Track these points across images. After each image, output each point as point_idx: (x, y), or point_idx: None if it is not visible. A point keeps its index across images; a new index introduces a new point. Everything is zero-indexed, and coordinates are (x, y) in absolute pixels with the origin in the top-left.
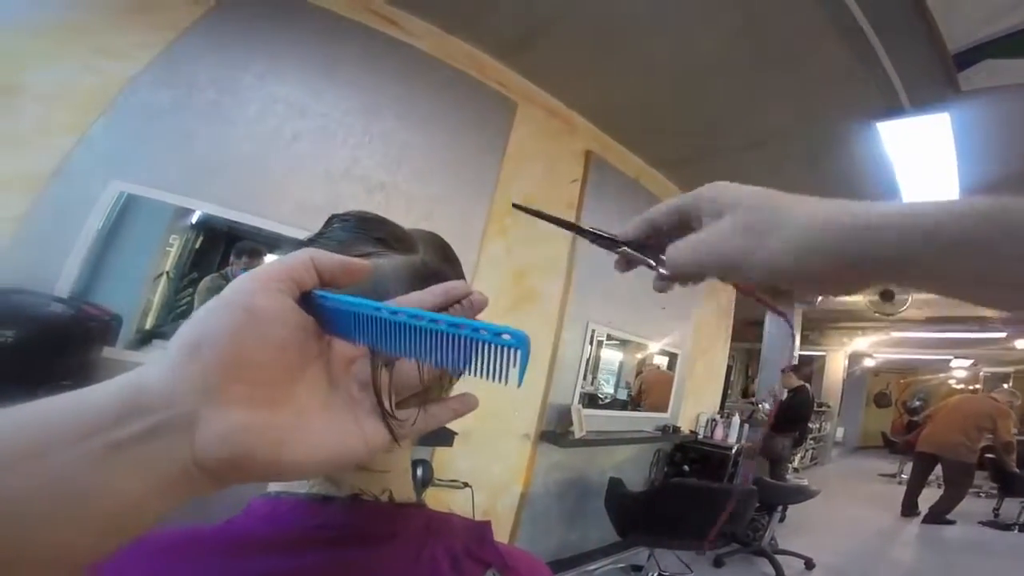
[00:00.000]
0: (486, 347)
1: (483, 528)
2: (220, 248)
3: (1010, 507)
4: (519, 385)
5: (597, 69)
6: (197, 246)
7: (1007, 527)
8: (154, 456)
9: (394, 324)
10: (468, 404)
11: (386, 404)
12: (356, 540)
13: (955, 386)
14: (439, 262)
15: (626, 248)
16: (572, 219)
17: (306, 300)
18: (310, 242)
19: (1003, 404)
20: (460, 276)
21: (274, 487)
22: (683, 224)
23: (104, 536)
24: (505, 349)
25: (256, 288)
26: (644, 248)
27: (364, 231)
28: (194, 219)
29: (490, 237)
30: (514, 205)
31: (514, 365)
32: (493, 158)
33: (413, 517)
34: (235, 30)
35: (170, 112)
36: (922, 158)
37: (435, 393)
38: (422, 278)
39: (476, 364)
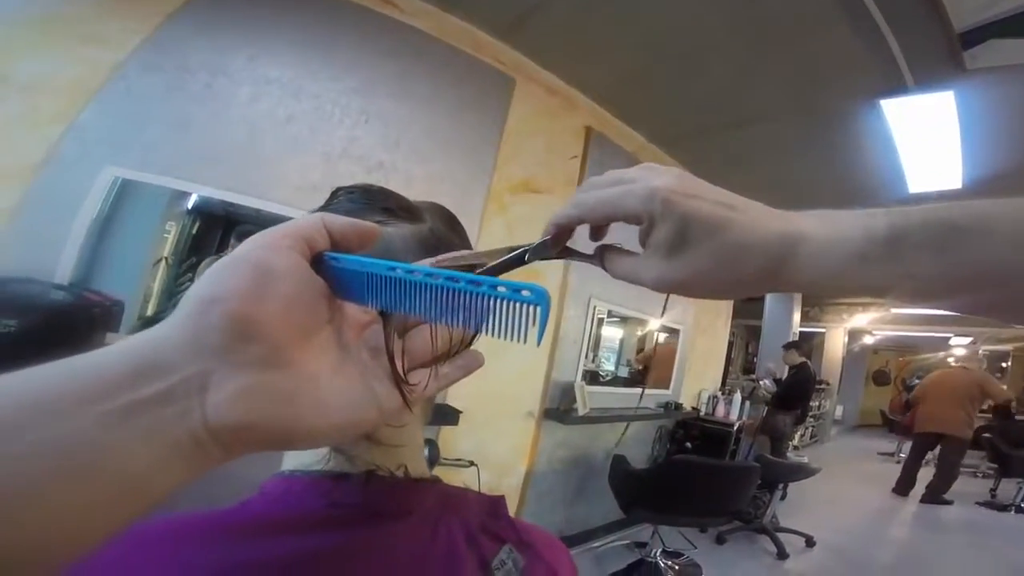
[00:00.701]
0: (505, 304)
1: (498, 503)
2: (218, 232)
3: (1007, 488)
4: (538, 343)
5: (596, 45)
6: (194, 231)
7: (1004, 508)
8: (166, 420)
9: (410, 284)
10: (476, 360)
11: (400, 370)
12: (372, 518)
13: (953, 364)
14: (446, 231)
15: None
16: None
17: (317, 264)
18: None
19: (979, 371)
20: (467, 245)
21: (287, 466)
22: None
23: (113, 509)
24: (524, 306)
25: (268, 244)
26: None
27: (370, 201)
28: (190, 204)
29: (490, 215)
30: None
31: (533, 324)
32: (492, 136)
33: (428, 492)
34: (225, 11)
35: (162, 96)
36: (926, 137)
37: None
38: (430, 246)
39: (494, 323)
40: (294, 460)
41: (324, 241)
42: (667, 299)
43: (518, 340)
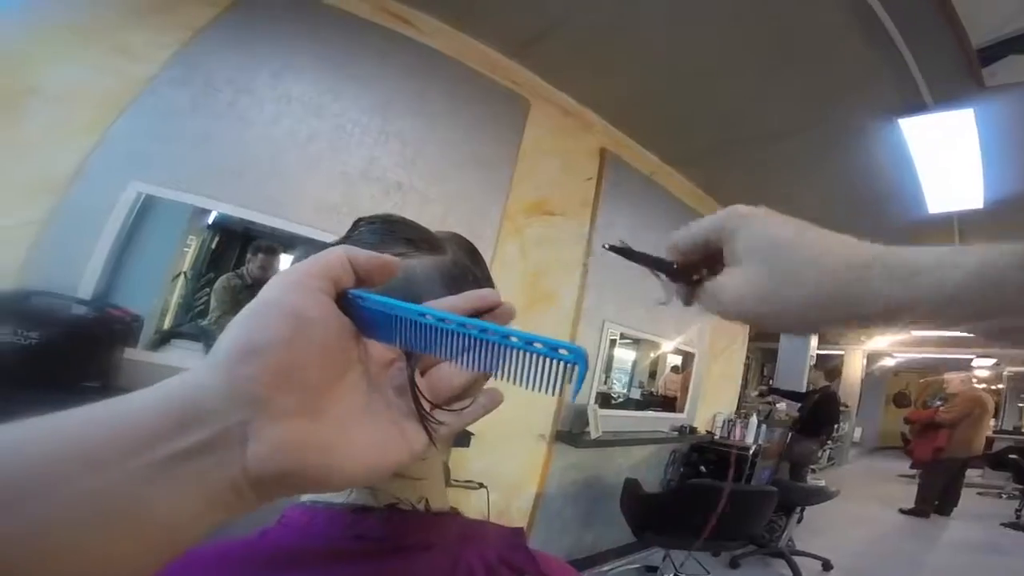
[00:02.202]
0: (539, 359)
1: (517, 535)
2: (236, 248)
3: None
4: (573, 399)
5: (609, 65)
6: (213, 246)
7: None
8: (207, 470)
9: (440, 331)
10: (495, 400)
11: (425, 407)
12: (394, 551)
13: (976, 385)
14: (468, 262)
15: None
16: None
17: (341, 301)
18: (337, 245)
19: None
20: (487, 277)
21: (308, 496)
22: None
23: (148, 556)
24: (558, 363)
25: (298, 287)
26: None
27: (392, 232)
28: (211, 219)
29: (505, 236)
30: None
31: (569, 381)
32: (507, 156)
33: (449, 526)
34: (250, 29)
35: (188, 112)
36: (946, 155)
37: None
38: (452, 278)
39: (524, 375)
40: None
41: (349, 278)
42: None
43: (548, 393)
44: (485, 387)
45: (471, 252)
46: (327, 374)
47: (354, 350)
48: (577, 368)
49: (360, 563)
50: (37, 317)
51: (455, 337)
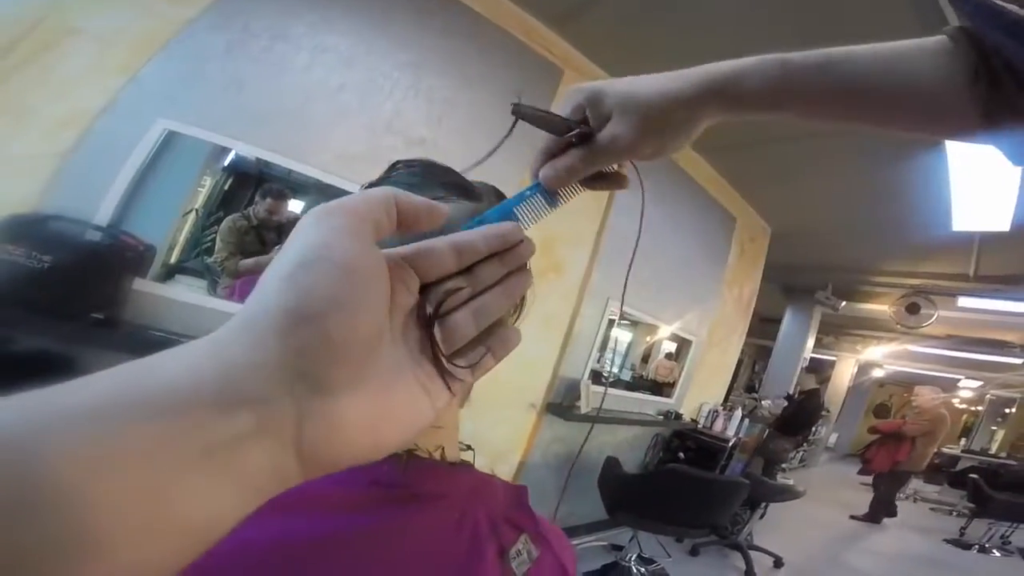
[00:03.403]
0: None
1: (521, 493)
2: (249, 191)
3: (978, 527)
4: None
5: (648, 44)
6: (226, 187)
7: (968, 546)
8: (253, 458)
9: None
10: (515, 338)
11: (444, 355)
12: (406, 500)
13: (958, 406)
14: None
15: (578, 132)
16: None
17: None
18: (371, 186)
19: None
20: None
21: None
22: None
23: (179, 554)
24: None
25: (349, 234)
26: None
27: (431, 176)
28: (227, 161)
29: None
30: (512, 107)
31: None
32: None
33: (462, 477)
34: None
35: (223, 56)
36: (984, 176)
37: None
38: None
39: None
40: None
41: (391, 223)
42: (626, 281)
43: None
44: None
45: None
46: (377, 336)
47: (390, 301)
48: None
49: (377, 510)
50: (52, 240)
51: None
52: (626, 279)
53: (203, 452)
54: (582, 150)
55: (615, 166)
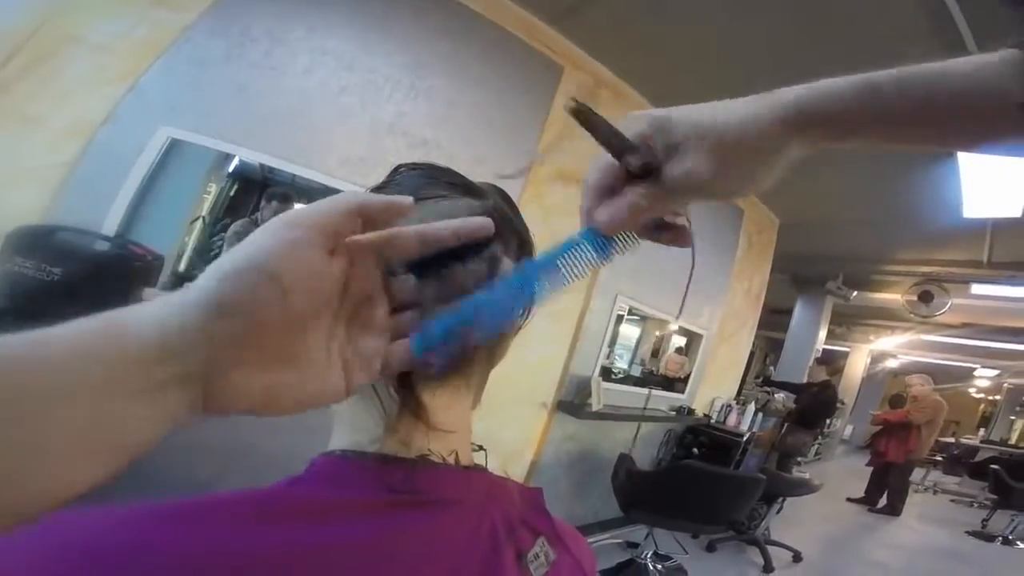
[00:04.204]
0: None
1: (537, 495)
2: (254, 196)
3: (1000, 520)
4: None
5: (650, 39)
6: (232, 193)
7: (991, 538)
8: (175, 399)
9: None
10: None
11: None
12: (422, 505)
13: (974, 395)
14: (507, 210)
15: (636, 157)
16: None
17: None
18: (378, 189)
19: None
20: (524, 224)
21: (337, 444)
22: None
23: (107, 468)
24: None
25: (287, 245)
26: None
27: (434, 178)
28: (232, 167)
29: (526, 202)
30: (574, 105)
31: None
32: (536, 123)
33: (477, 482)
34: None
35: (222, 62)
36: (993, 160)
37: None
38: (494, 220)
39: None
40: (345, 439)
41: (354, 227)
42: (684, 297)
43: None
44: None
45: (508, 200)
46: (299, 329)
47: (336, 297)
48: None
49: (388, 517)
50: (61, 252)
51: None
52: (684, 296)
53: (141, 389)
54: (647, 186)
55: (680, 215)
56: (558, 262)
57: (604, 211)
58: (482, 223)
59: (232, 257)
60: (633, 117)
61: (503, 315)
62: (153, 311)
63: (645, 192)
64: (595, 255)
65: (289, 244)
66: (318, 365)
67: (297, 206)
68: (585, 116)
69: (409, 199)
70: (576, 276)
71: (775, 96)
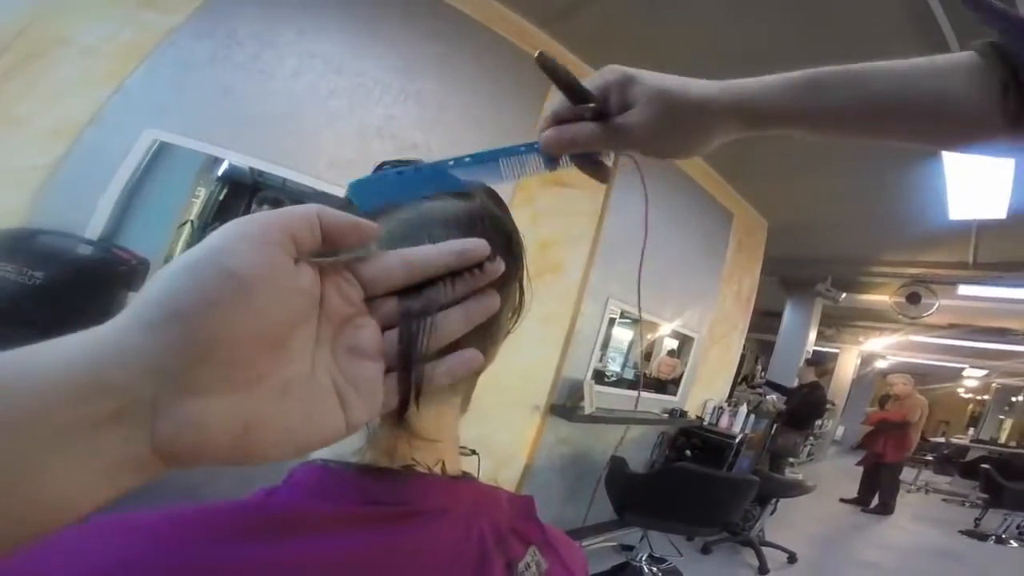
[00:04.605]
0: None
1: (528, 503)
2: (244, 200)
3: (993, 519)
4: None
5: (641, 43)
6: (221, 197)
7: (984, 537)
8: (108, 443)
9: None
10: (478, 361)
11: (416, 369)
12: (408, 517)
13: (963, 395)
14: (495, 208)
15: (592, 107)
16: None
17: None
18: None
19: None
20: (513, 225)
21: (319, 454)
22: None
23: (19, 530)
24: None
25: (248, 240)
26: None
27: None
28: (221, 170)
29: (517, 205)
30: (540, 56)
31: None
32: (526, 126)
33: (464, 491)
34: None
35: (209, 64)
36: (977, 162)
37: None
38: (480, 220)
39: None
40: (327, 449)
41: (314, 240)
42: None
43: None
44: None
45: (496, 198)
46: (265, 343)
47: (309, 310)
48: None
49: (373, 530)
50: (43, 255)
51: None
52: (638, 285)
53: (59, 432)
54: (595, 126)
55: (610, 155)
56: (499, 160)
57: (551, 132)
58: (476, 246)
59: (182, 257)
60: (605, 69)
61: (434, 183)
62: (91, 333)
63: (591, 129)
64: (541, 163)
65: (243, 236)
66: (306, 394)
67: (301, 206)
68: (550, 66)
69: (375, 226)
70: (514, 177)
71: (730, 84)
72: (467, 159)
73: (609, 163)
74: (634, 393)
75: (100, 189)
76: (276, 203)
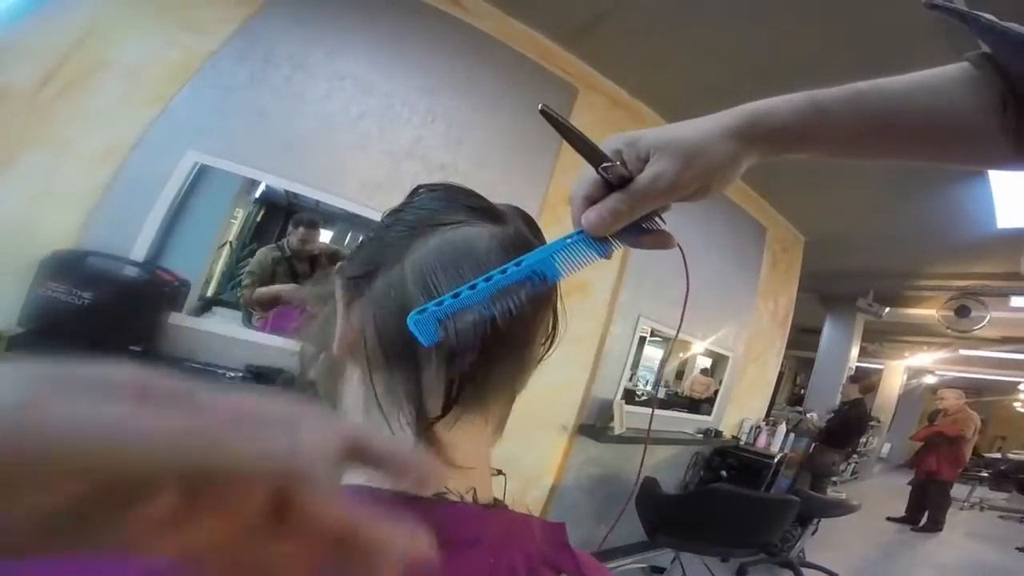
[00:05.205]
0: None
1: (559, 531)
2: (280, 221)
3: None
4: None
5: (664, 57)
6: (259, 219)
7: None
8: None
9: (476, 301)
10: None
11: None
12: (440, 547)
13: (1020, 409)
14: (529, 235)
15: (611, 166)
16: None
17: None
18: (396, 212)
19: None
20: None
21: (351, 479)
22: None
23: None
24: (572, 247)
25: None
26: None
27: (454, 200)
28: (258, 192)
29: (544, 225)
30: (543, 110)
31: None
32: (552, 144)
33: (496, 520)
34: (309, 5)
35: (246, 87)
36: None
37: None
38: (515, 247)
39: (563, 268)
40: (361, 474)
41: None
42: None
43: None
44: None
45: (530, 223)
46: None
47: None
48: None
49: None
50: (92, 277)
51: (493, 294)
52: (681, 316)
53: None
54: (623, 192)
55: (658, 221)
56: (552, 256)
57: (591, 214)
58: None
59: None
60: (610, 137)
61: (504, 301)
62: None
63: (621, 197)
64: (595, 252)
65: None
66: None
67: (323, 231)
68: (553, 119)
69: (412, 459)
70: (572, 270)
71: (734, 111)
72: (512, 267)
73: (663, 225)
74: (666, 412)
75: (145, 210)
76: (311, 224)
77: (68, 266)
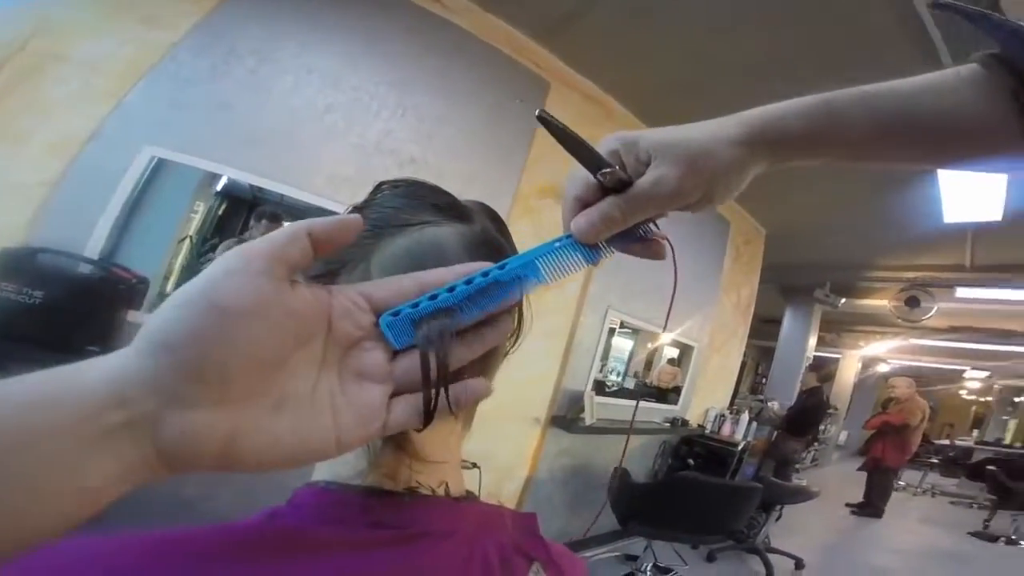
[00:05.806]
0: (544, 260)
1: (530, 521)
2: (243, 215)
3: (1002, 520)
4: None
5: (638, 54)
6: (220, 212)
7: (994, 539)
8: (125, 447)
9: (456, 301)
10: (484, 389)
11: (440, 396)
12: (411, 539)
13: (966, 397)
14: (495, 233)
15: (610, 172)
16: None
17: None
18: (357, 210)
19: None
20: (513, 248)
21: (320, 475)
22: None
23: (69, 515)
24: (560, 251)
25: (235, 275)
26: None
27: (418, 197)
28: (220, 186)
29: (516, 218)
30: (541, 115)
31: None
32: (524, 139)
33: (468, 512)
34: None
35: (207, 80)
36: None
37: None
38: (481, 246)
39: (549, 273)
40: (329, 470)
41: (303, 255)
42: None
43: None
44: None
45: (497, 221)
46: (259, 362)
47: (309, 328)
48: (568, 240)
49: (375, 553)
50: (43, 275)
51: (473, 297)
52: (668, 310)
53: (95, 434)
54: (620, 197)
55: (653, 227)
56: (535, 261)
57: (581, 219)
58: (482, 268)
59: (177, 293)
60: (606, 138)
61: (484, 305)
62: (116, 356)
63: (617, 203)
64: (581, 259)
65: (230, 271)
66: (300, 411)
67: (286, 224)
68: (550, 124)
69: (357, 218)
70: (557, 277)
71: (741, 116)
72: (495, 270)
73: (659, 235)
74: (633, 403)
75: (100, 206)
76: (274, 218)
77: (18, 264)
